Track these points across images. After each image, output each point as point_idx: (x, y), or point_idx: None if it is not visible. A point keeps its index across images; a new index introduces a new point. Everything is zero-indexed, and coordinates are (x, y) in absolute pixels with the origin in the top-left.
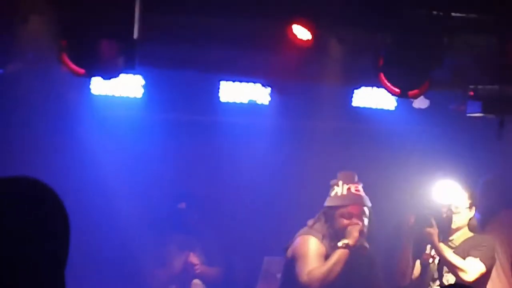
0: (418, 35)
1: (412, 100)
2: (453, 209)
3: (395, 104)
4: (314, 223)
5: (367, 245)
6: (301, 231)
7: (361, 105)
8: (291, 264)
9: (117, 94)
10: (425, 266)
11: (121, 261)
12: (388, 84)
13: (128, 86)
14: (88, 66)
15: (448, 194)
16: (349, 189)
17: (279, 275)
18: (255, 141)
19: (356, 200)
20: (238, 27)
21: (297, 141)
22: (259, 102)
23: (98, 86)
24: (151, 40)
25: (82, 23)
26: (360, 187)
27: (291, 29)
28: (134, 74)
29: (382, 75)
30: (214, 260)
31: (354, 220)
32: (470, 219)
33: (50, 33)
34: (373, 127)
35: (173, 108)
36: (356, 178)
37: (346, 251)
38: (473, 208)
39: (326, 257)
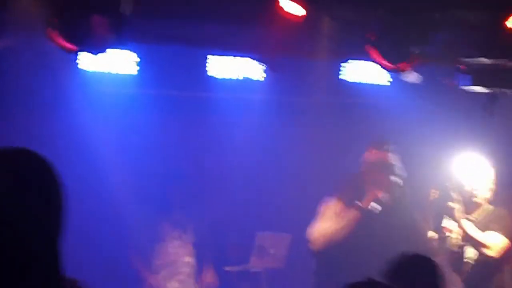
0: (409, 10)
1: (403, 74)
2: (476, 184)
3: (389, 79)
4: (346, 186)
5: (376, 210)
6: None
7: (355, 80)
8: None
9: (109, 71)
10: (442, 240)
11: (115, 239)
12: (379, 58)
13: (119, 62)
14: (79, 41)
15: (470, 168)
16: (378, 155)
17: (272, 250)
18: (247, 117)
19: (383, 167)
20: (229, 1)
21: (289, 116)
22: (253, 78)
23: (88, 62)
24: (142, 15)
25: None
26: (391, 155)
27: (282, 5)
28: (125, 49)
29: (374, 50)
30: (205, 238)
31: (378, 186)
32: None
33: (40, 8)
34: (367, 102)
35: (164, 84)
36: (387, 147)
37: (357, 213)
38: (497, 184)
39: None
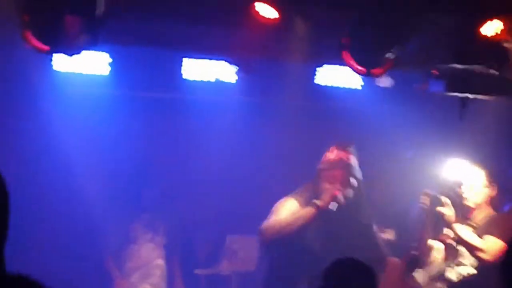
0: (383, 14)
1: (376, 78)
2: (466, 187)
3: (361, 83)
4: (303, 186)
5: (333, 208)
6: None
7: (326, 84)
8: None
9: (81, 71)
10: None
11: (88, 239)
12: (353, 63)
13: (92, 63)
14: (52, 42)
15: (459, 172)
16: (339, 155)
17: (242, 253)
18: (220, 119)
19: (343, 167)
20: (205, 4)
21: (262, 119)
22: (225, 80)
23: (62, 63)
24: (116, 16)
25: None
26: (351, 156)
27: (257, 7)
28: (99, 51)
29: (347, 53)
30: (176, 240)
31: (336, 185)
32: (491, 197)
33: (13, 9)
34: (339, 106)
35: (138, 86)
36: (349, 148)
37: (312, 210)
38: (494, 186)
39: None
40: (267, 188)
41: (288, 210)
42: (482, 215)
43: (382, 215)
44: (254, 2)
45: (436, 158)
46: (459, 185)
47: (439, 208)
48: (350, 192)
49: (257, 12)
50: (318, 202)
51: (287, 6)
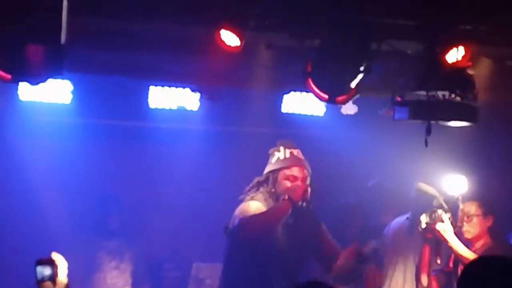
0: (346, 41)
1: (340, 106)
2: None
3: (324, 110)
4: (253, 193)
5: (304, 204)
6: (239, 207)
7: (291, 111)
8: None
9: (45, 100)
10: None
11: None
12: (316, 90)
13: (56, 91)
14: (15, 71)
15: (455, 187)
16: (291, 152)
17: (208, 281)
18: (184, 147)
19: (300, 162)
20: (168, 33)
21: (226, 147)
22: (188, 108)
23: (26, 92)
24: (79, 45)
25: (8, 27)
26: (300, 152)
27: (220, 35)
28: (63, 79)
29: (310, 81)
30: (143, 267)
31: (299, 183)
32: (488, 227)
33: None
34: (302, 133)
35: (102, 114)
36: (294, 145)
37: (288, 202)
38: (490, 216)
39: (268, 218)
40: (231, 216)
41: (257, 209)
42: (480, 244)
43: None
44: (218, 30)
45: (403, 184)
46: (458, 198)
47: (440, 225)
48: (309, 188)
49: (221, 40)
50: (291, 196)
51: (249, 33)
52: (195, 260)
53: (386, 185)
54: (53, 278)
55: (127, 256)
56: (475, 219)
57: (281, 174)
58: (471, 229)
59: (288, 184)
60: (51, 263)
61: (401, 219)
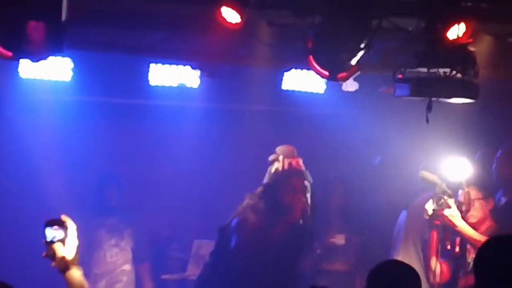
0: (346, 17)
1: (341, 83)
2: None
3: (325, 87)
4: (253, 202)
5: (305, 221)
6: (239, 208)
7: (291, 89)
8: (227, 241)
9: (45, 78)
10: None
11: None
12: (317, 67)
13: (56, 69)
14: (15, 48)
15: (458, 171)
16: (290, 163)
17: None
18: (184, 125)
19: (299, 175)
20: (169, 10)
21: (226, 124)
22: (188, 85)
23: (27, 69)
24: (80, 22)
25: (9, 4)
26: (301, 161)
27: (221, 12)
28: (63, 56)
29: (311, 58)
30: (143, 244)
31: (298, 196)
32: (490, 210)
33: None
34: (303, 111)
35: (102, 92)
36: (296, 153)
37: (286, 225)
38: (490, 198)
39: (266, 233)
40: (232, 192)
41: (254, 222)
42: (485, 227)
43: (346, 220)
44: (219, 7)
45: (405, 161)
46: (462, 183)
47: (447, 211)
48: (309, 200)
49: (222, 17)
50: (288, 217)
51: (250, 11)
52: (195, 237)
53: (388, 162)
54: (63, 239)
55: (126, 233)
56: (476, 203)
57: (279, 188)
58: (474, 213)
59: (288, 197)
60: (61, 224)
61: (416, 204)
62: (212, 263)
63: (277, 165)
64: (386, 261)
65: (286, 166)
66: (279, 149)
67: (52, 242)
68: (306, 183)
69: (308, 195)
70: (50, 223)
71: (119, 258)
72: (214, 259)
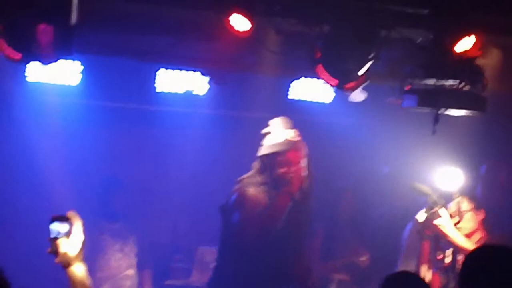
0: (355, 27)
1: (348, 93)
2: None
3: (332, 97)
4: (248, 177)
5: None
6: (236, 186)
7: (298, 97)
8: (229, 218)
9: (53, 82)
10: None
11: None
12: (325, 76)
13: (64, 73)
14: (25, 51)
15: (450, 181)
16: (285, 135)
17: (212, 265)
18: (190, 131)
19: (294, 146)
20: (177, 16)
21: (232, 131)
22: (195, 92)
23: (34, 73)
24: (89, 26)
25: (19, 7)
26: (296, 132)
27: (230, 19)
28: (72, 60)
29: (319, 67)
30: (146, 250)
31: (293, 168)
32: (482, 221)
33: None
34: (310, 120)
35: (109, 96)
36: (290, 124)
37: (286, 197)
38: (482, 209)
39: (266, 206)
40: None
41: (257, 203)
42: (476, 238)
43: (354, 231)
44: (229, 14)
45: (412, 173)
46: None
47: (438, 221)
48: (305, 172)
49: (231, 24)
50: (289, 190)
51: (259, 18)
52: (200, 244)
53: (396, 173)
54: (67, 235)
55: (131, 239)
56: (468, 214)
57: (275, 160)
58: (466, 224)
59: (282, 171)
60: (67, 220)
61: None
62: (219, 256)
63: (270, 137)
64: (397, 273)
65: (281, 138)
66: (272, 121)
67: (56, 238)
68: (300, 153)
69: (305, 166)
70: (56, 218)
71: (123, 263)
72: (220, 250)
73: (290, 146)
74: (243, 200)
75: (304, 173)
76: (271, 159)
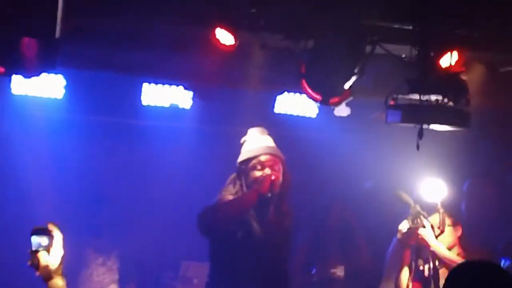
0: (340, 42)
1: (333, 108)
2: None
3: (317, 111)
4: (226, 186)
5: (269, 194)
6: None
7: (283, 112)
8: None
9: (37, 95)
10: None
11: None
12: (310, 91)
13: (49, 86)
14: (8, 64)
15: (434, 192)
16: (259, 141)
17: (195, 280)
18: (175, 146)
19: (268, 150)
20: (162, 31)
21: (218, 146)
22: (180, 106)
23: (19, 86)
24: (74, 40)
25: (3, 20)
26: (271, 139)
27: (215, 34)
28: (56, 74)
29: (303, 82)
30: (130, 265)
31: (267, 171)
32: (458, 237)
33: None
34: (295, 134)
35: (94, 110)
36: (266, 132)
37: (253, 193)
38: (459, 225)
39: (237, 205)
40: None
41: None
42: (454, 254)
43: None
44: (213, 29)
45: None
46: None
47: (420, 231)
48: (280, 177)
49: (216, 39)
50: (257, 188)
51: (244, 34)
52: (184, 258)
53: (379, 188)
54: (48, 247)
55: (114, 253)
56: (447, 229)
57: (249, 165)
58: (444, 239)
59: (256, 174)
60: (48, 233)
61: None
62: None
63: (246, 144)
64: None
65: (255, 145)
66: (250, 130)
67: (37, 251)
68: (275, 158)
69: (279, 171)
70: (36, 231)
71: (105, 278)
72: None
73: (264, 151)
74: (219, 203)
75: (277, 177)
76: (247, 164)
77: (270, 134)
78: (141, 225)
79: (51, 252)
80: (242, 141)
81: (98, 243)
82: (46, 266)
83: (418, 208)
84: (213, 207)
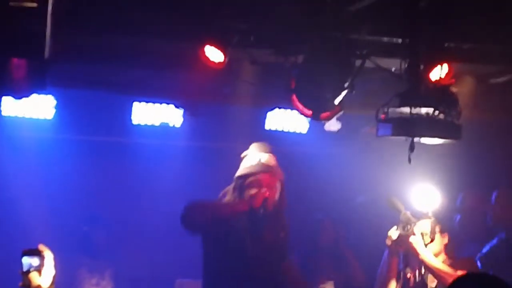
0: (329, 57)
1: (323, 123)
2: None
3: (307, 127)
4: (223, 196)
5: (260, 212)
6: None
7: (274, 128)
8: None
9: (27, 115)
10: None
11: None
12: (300, 106)
13: (39, 107)
14: None
15: (425, 200)
16: (260, 158)
17: None
18: (167, 164)
19: (266, 169)
20: (152, 48)
21: (209, 163)
22: (171, 124)
23: (8, 107)
24: (63, 59)
25: None
26: (272, 157)
27: (204, 51)
28: (46, 94)
29: (294, 97)
30: (124, 284)
31: (263, 190)
32: (445, 245)
33: None
34: (286, 150)
35: (84, 130)
36: (268, 149)
37: (244, 203)
38: (446, 233)
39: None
40: None
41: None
42: (441, 263)
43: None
44: (203, 46)
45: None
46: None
47: (411, 239)
48: (277, 195)
49: (205, 56)
50: (250, 202)
51: (234, 50)
52: (178, 276)
53: (371, 202)
54: (39, 268)
55: (108, 273)
56: (435, 237)
57: (247, 181)
58: (432, 246)
59: (252, 191)
60: (38, 254)
61: None
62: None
63: (246, 160)
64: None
65: (255, 161)
66: (252, 145)
67: (28, 272)
68: (274, 178)
69: (276, 190)
70: (27, 252)
71: None
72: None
73: (263, 169)
74: (196, 207)
75: (271, 195)
76: (243, 180)
77: (272, 151)
78: (135, 244)
79: (43, 272)
80: (243, 155)
81: (92, 262)
82: (38, 287)
83: (408, 214)
84: (203, 202)
